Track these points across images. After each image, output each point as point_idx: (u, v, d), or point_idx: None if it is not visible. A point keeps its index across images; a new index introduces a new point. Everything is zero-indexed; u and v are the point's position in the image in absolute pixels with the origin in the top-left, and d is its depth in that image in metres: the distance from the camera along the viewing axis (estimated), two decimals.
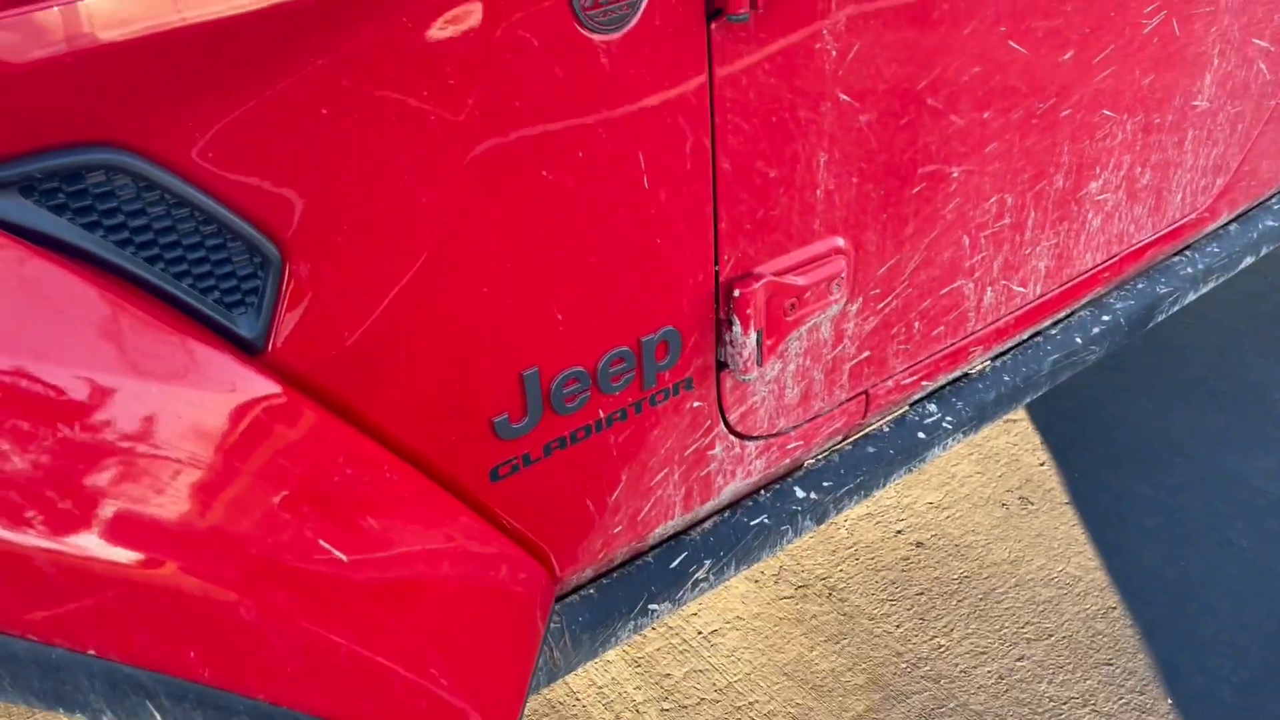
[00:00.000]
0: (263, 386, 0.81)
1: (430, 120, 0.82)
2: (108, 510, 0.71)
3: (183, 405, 0.75)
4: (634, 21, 0.88)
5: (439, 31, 0.79)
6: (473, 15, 0.80)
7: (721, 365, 1.11)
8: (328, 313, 0.84)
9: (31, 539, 0.67)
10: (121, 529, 0.71)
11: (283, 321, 0.82)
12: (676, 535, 1.21)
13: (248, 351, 0.81)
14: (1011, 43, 1.15)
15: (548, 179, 0.90)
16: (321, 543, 0.83)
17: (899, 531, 2.08)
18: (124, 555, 0.71)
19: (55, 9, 0.65)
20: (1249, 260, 1.69)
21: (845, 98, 1.05)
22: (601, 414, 1.04)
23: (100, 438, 0.72)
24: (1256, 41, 1.45)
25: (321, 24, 0.75)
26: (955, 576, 1.97)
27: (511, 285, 0.92)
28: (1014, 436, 2.28)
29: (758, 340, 1.09)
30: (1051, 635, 1.83)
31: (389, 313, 0.87)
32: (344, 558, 0.83)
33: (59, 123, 0.69)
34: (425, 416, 0.93)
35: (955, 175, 1.19)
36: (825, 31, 1.00)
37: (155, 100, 0.71)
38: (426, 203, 0.85)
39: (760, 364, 1.11)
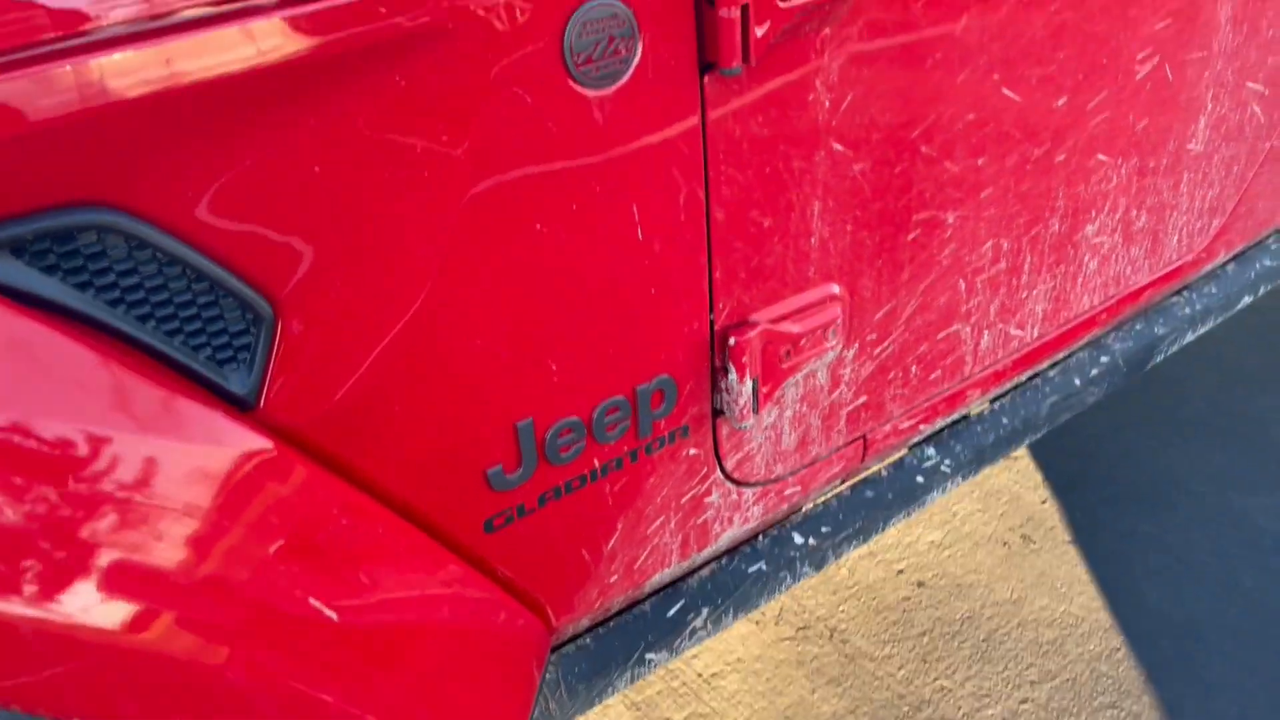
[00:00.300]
0: (253, 443, 0.80)
1: (423, 175, 0.82)
2: (91, 572, 0.70)
3: (171, 465, 0.74)
4: (627, 76, 0.89)
5: (432, 88, 0.80)
6: (466, 71, 0.81)
7: (717, 412, 1.11)
8: (320, 367, 0.84)
9: (15, 603, 0.66)
10: (105, 591, 0.71)
11: (275, 377, 0.82)
12: (673, 583, 1.20)
13: (240, 407, 0.81)
14: (1005, 90, 1.16)
15: (541, 231, 0.90)
16: (313, 601, 0.82)
17: (900, 571, 2.07)
18: (108, 618, 0.71)
19: (45, 70, 0.66)
20: (1247, 300, 1.69)
21: (839, 147, 1.05)
22: (597, 463, 1.03)
23: (88, 498, 0.71)
24: (1250, 85, 1.46)
25: (314, 82, 0.75)
26: (958, 617, 1.95)
27: (505, 337, 0.92)
28: (1015, 474, 2.27)
29: (753, 388, 1.09)
30: (1055, 677, 1.82)
31: (382, 366, 0.87)
32: (335, 616, 0.83)
33: (50, 184, 0.69)
34: (419, 469, 0.92)
35: (950, 221, 1.19)
36: (818, 82, 1.01)
37: (146, 160, 0.72)
38: (419, 256, 0.85)
39: (756, 411, 1.10)
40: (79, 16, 0.66)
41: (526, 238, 0.89)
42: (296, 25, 0.72)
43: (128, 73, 0.68)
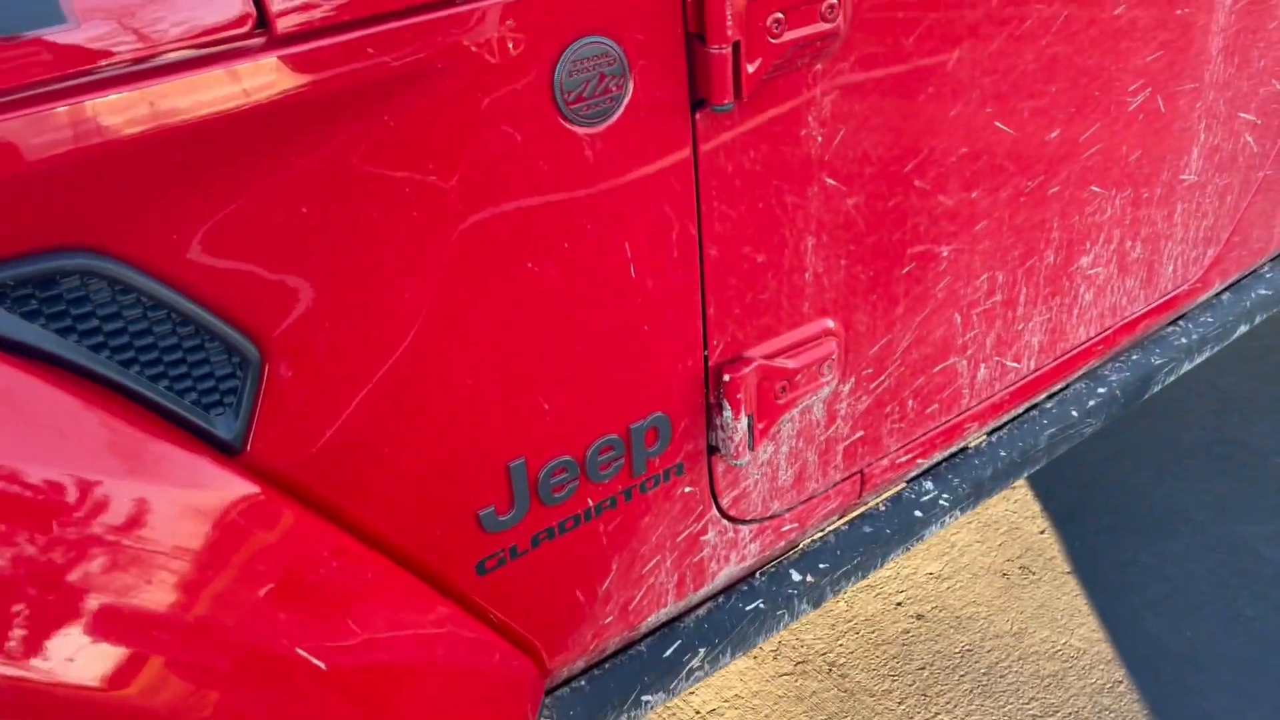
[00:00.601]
0: (240, 489, 0.79)
1: (412, 215, 0.81)
2: (74, 620, 0.69)
3: (155, 513, 0.73)
4: (618, 114, 0.88)
5: (420, 128, 0.79)
6: (455, 111, 0.80)
7: (713, 449, 1.10)
8: (308, 409, 0.83)
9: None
10: (89, 639, 0.69)
11: (262, 420, 0.81)
12: (669, 623, 1.19)
13: (226, 452, 0.80)
14: (998, 123, 1.15)
15: (533, 270, 0.89)
16: (302, 647, 0.81)
17: (899, 604, 2.05)
18: (92, 667, 0.69)
19: (25, 114, 0.65)
20: (1243, 329, 1.68)
21: (832, 182, 1.05)
22: (590, 503, 1.02)
23: (70, 546, 0.70)
24: (1242, 115, 1.46)
25: (301, 123, 0.74)
26: (957, 650, 1.93)
27: (498, 376, 0.91)
28: (1013, 504, 2.25)
29: (749, 424, 1.07)
30: (1057, 711, 1.79)
31: (371, 407, 0.85)
32: (324, 664, 0.81)
33: (31, 228, 0.68)
34: (410, 512, 0.91)
35: (945, 254, 1.19)
36: (810, 117, 1.00)
37: (130, 202, 0.71)
38: (409, 296, 0.84)
39: (752, 448, 1.09)
40: (59, 59, 0.65)
41: (518, 276, 0.88)
42: (283, 66, 0.72)
43: (111, 115, 0.67)
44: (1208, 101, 1.39)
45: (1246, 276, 1.69)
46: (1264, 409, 2.46)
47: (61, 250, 0.70)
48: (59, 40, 0.65)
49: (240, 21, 0.70)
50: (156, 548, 0.74)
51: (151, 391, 0.75)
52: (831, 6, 0.95)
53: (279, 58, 0.72)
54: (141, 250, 0.72)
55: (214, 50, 0.70)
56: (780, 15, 0.92)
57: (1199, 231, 1.50)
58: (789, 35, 0.93)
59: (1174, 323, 1.62)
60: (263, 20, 0.71)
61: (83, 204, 0.69)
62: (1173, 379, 1.60)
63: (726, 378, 1.05)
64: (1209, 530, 2.14)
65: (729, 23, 0.88)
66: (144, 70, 0.68)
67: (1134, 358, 1.55)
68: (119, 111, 0.67)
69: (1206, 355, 1.63)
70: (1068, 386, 1.50)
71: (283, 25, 0.71)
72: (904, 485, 1.36)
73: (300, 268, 0.78)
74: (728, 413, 1.06)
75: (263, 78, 0.71)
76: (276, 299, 0.78)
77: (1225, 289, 1.66)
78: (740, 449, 1.08)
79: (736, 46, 0.90)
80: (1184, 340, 1.59)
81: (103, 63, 0.66)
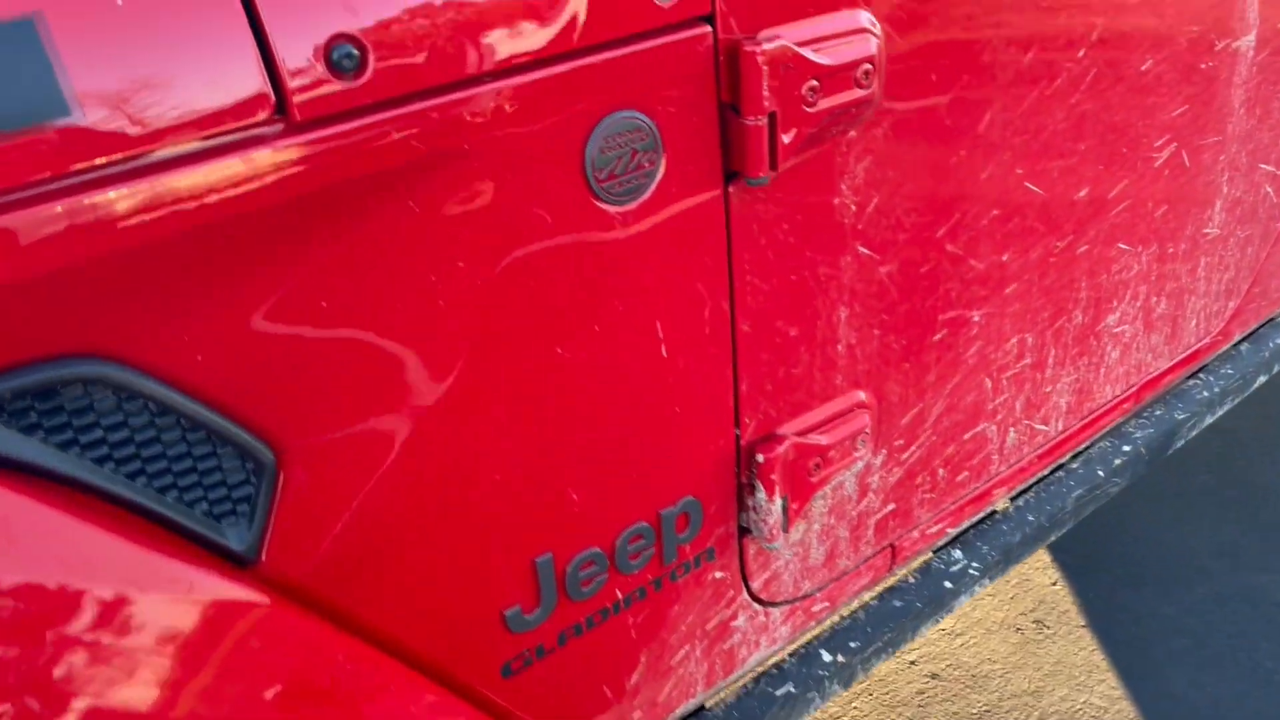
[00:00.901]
0: (252, 601, 0.72)
1: (437, 305, 0.76)
2: None
3: (162, 630, 0.67)
4: (650, 190, 0.83)
5: (447, 215, 0.74)
6: (483, 196, 0.75)
7: (744, 531, 1.04)
8: (325, 513, 0.77)
9: None
10: None
11: (277, 528, 0.75)
12: (697, 712, 1.12)
13: (239, 564, 0.74)
14: (1028, 184, 1.12)
15: (561, 356, 0.84)
16: None
17: (913, 662, 1.99)
18: None
19: (25, 213, 0.59)
20: (1262, 379, 1.65)
21: (865, 250, 1.00)
22: (619, 595, 0.96)
23: (76, 665, 0.63)
24: (1263, 166, 1.43)
25: (321, 213, 0.69)
26: (974, 711, 1.88)
27: (523, 469, 0.85)
28: None
29: (783, 506, 1.02)
30: None
31: (391, 508, 0.79)
32: None
33: (30, 336, 0.62)
34: (432, 617, 0.85)
35: (976, 319, 1.15)
36: (843, 185, 0.96)
37: (139, 305, 0.65)
38: (431, 390, 0.78)
39: (786, 529, 1.04)
40: (61, 153, 0.60)
41: (545, 363, 0.83)
42: (302, 153, 0.66)
43: (118, 211, 0.61)
44: (1230, 154, 1.36)
45: (1264, 326, 1.66)
46: (1269, 450, 2.43)
47: (64, 358, 0.64)
48: (62, 133, 0.59)
49: (257, 106, 0.65)
50: (164, 664, 0.67)
51: (159, 505, 0.69)
52: (867, 72, 0.91)
53: (298, 144, 0.66)
54: (150, 354, 0.66)
55: (229, 139, 0.64)
56: (815, 83, 0.88)
57: (1221, 284, 1.47)
58: (824, 103, 0.89)
59: (1194, 375, 1.58)
60: (281, 105, 0.65)
61: (88, 308, 0.63)
62: (1195, 433, 1.56)
63: (760, 458, 0.99)
64: (1225, 579, 2.10)
65: (766, 93, 0.84)
66: (154, 163, 0.62)
67: (1157, 413, 1.51)
68: (127, 208, 0.62)
69: (1228, 408, 1.60)
70: (1093, 445, 1.46)
71: (302, 109, 0.66)
72: (932, 555, 1.31)
73: (320, 363, 0.73)
74: (761, 494, 1.00)
75: (281, 166, 0.66)
76: (294, 398, 0.72)
77: (1244, 339, 1.63)
78: (774, 531, 1.03)
79: (773, 117, 0.86)
80: (1205, 394, 1.56)
81: (109, 156, 0.61)
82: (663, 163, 0.83)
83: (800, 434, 1.03)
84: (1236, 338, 1.59)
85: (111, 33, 0.60)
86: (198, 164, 0.63)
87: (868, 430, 1.08)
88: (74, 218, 0.60)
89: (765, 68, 0.83)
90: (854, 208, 0.98)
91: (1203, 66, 1.25)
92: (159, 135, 0.62)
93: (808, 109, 0.88)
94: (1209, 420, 1.57)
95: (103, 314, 0.64)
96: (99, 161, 0.60)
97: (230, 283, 0.67)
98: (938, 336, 1.12)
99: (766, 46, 0.83)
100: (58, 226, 0.60)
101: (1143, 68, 1.17)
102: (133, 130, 0.61)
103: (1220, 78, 1.28)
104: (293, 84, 0.65)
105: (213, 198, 0.64)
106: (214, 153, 0.64)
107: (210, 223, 0.65)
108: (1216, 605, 2.04)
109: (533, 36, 0.74)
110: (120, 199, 0.61)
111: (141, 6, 0.61)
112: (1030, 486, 1.40)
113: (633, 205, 0.83)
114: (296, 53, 0.65)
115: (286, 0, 0.65)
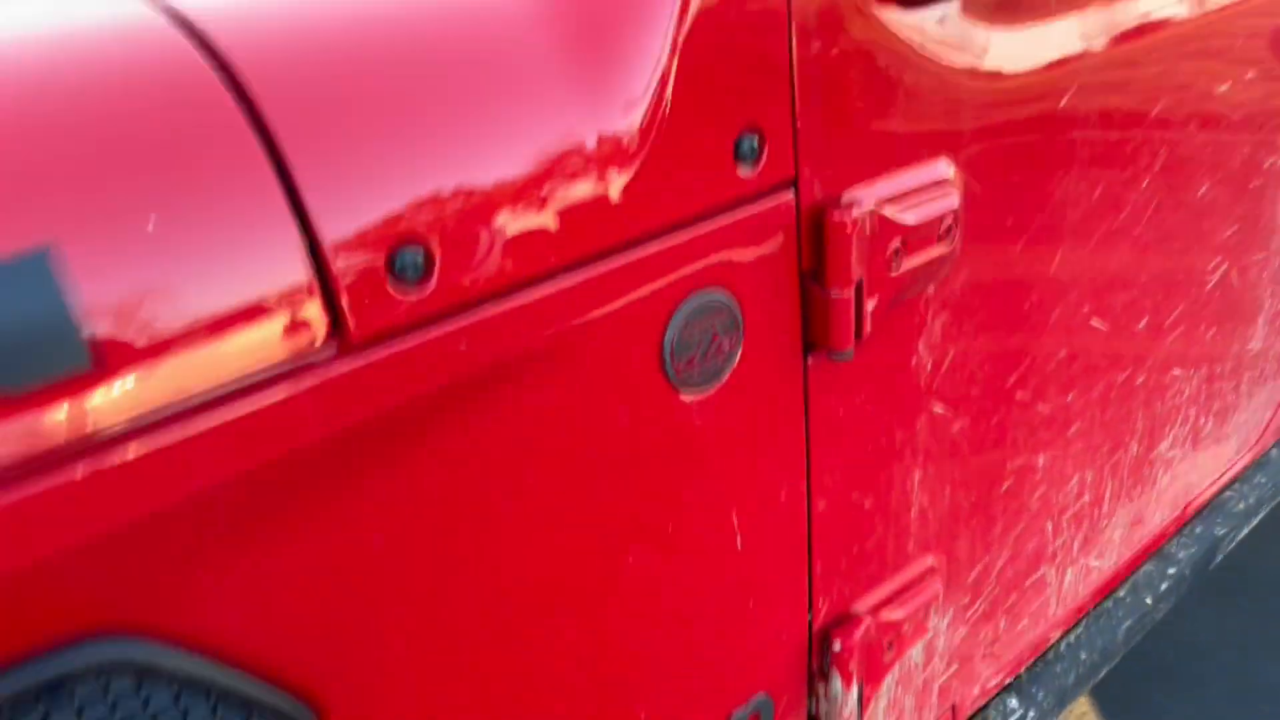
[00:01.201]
0: None
1: (500, 530, 0.65)
2: None
3: None
4: (728, 372, 0.74)
5: (513, 432, 0.64)
6: (554, 404, 0.65)
7: (813, 718, 0.94)
8: None
9: None
10: None
11: None
12: None
13: None
14: (1094, 321, 1.05)
15: (632, 562, 0.74)
16: None
17: None
18: None
19: (35, 492, 0.48)
20: None
21: (939, 408, 0.92)
22: None
23: None
24: None
25: (375, 445, 0.58)
26: None
27: (588, 678, 0.75)
28: None
29: (859, 693, 0.92)
30: None
31: None
32: None
33: (38, 621, 0.51)
34: None
35: (1041, 464, 1.07)
36: (921, 344, 0.88)
37: (160, 573, 0.54)
38: (490, 623, 0.68)
39: (860, 718, 0.94)
40: (79, 412, 0.49)
41: (614, 569, 0.73)
42: (354, 382, 0.56)
43: (145, 473, 0.51)
44: (1273, 268, 1.31)
45: None
46: (1265, 530, 2.39)
47: (76, 642, 0.52)
48: (79, 387, 0.49)
49: (306, 329, 0.54)
50: None
51: None
52: (949, 227, 0.83)
53: (353, 369, 0.56)
54: (178, 624, 0.55)
55: (274, 373, 0.54)
56: (899, 244, 0.79)
57: (1261, 397, 1.42)
58: (907, 265, 0.81)
59: (1228, 487, 1.52)
60: (336, 324, 0.55)
61: (104, 580, 0.52)
62: (1233, 546, 1.50)
63: (836, 646, 0.90)
64: (1236, 672, 2.04)
65: (854, 262, 0.76)
66: (187, 410, 0.51)
67: (1197, 530, 1.45)
68: (155, 467, 0.51)
69: (1262, 516, 1.54)
70: (1139, 570, 1.39)
71: (359, 328, 0.56)
72: (991, 710, 1.22)
73: (365, 609, 0.62)
74: (837, 683, 0.91)
75: (333, 396, 0.56)
76: (336, 652, 0.61)
77: (1274, 445, 1.59)
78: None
79: (859, 287, 0.77)
80: (1242, 505, 1.50)
81: (134, 412, 0.50)
82: (742, 341, 0.74)
83: (873, 611, 0.93)
84: (1270, 446, 1.54)
85: (132, 263, 0.50)
86: (238, 403, 0.53)
87: (940, 598, 0.99)
88: (89, 487, 0.49)
89: (853, 237, 0.75)
90: (929, 366, 0.90)
91: (1252, 185, 1.20)
92: (192, 384, 0.51)
93: (892, 273, 0.80)
94: (1245, 530, 1.51)
95: (122, 583, 0.53)
96: (122, 420, 0.49)
97: (275, 535, 0.57)
98: (1005, 486, 1.04)
99: (855, 213, 0.75)
100: (70, 502, 0.49)
101: (1200, 193, 1.12)
102: (161, 380, 0.50)
103: (1268, 195, 1.24)
104: (347, 301, 0.55)
105: (256, 443, 0.54)
106: (256, 388, 0.53)
107: (247, 471, 0.54)
108: (1232, 701, 1.96)
109: (610, 220, 0.65)
110: (146, 459, 0.50)
111: (169, 225, 0.51)
112: (1081, 621, 1.32)
113: (710, 392, 0.74)
114: (353, 263, 0.55)
115: (341, 201, 0.55)
